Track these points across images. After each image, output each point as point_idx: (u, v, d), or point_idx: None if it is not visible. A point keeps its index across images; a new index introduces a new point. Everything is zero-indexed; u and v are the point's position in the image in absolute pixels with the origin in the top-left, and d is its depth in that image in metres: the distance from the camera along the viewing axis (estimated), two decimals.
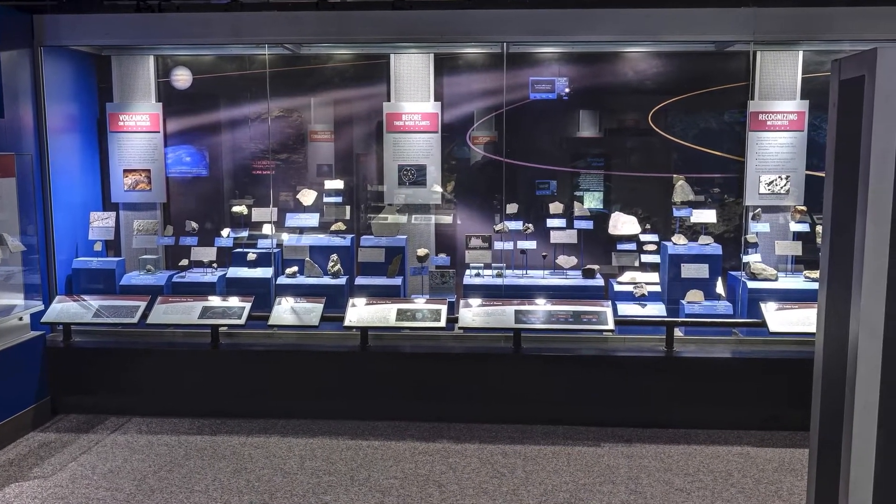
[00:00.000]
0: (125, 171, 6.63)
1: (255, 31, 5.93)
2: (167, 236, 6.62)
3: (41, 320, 5.77)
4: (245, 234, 6.59)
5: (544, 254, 6.46)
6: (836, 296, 2.18)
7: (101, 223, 6.47)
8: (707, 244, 6.30)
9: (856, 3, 5.86)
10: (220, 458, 5.01)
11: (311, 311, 5.81)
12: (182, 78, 6.85)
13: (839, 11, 5.66)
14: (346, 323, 5.70)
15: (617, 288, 6.23)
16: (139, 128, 6.61)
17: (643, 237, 6.40)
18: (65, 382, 5.77)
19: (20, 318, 5.55)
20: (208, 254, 6.51)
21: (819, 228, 6.05)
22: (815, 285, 5.80)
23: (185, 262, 6.58)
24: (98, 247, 6.47)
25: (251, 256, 6.49)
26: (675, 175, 6.57)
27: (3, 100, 5.54)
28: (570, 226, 6.43)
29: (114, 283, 6.34)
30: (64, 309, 5.86)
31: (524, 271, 6.42)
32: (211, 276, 6.41)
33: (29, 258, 5.60)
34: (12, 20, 5.71)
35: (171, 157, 6.79)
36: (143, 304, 5.84)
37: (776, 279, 6.07)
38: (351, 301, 5.84)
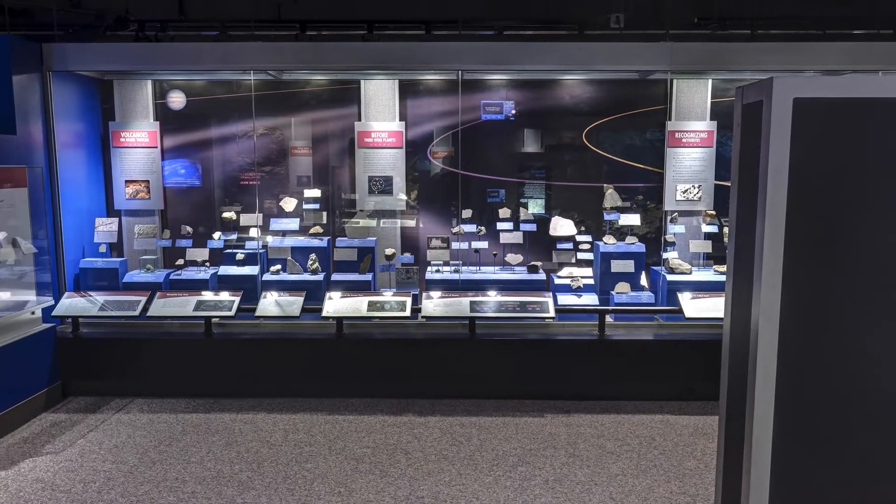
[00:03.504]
0: (127, 181, 6.53)
1: (242, 60, 5.89)
2: (165, 239, 6.55)
3: (52, 314, 5.67)
4: (234, 236, 6.53)
5: (495, 252, 6.50)
6: (740, 287, 2.22)
7: (105, 228, 6.37)
8: (633, 243, 6.39)
9: (755, 39, 6.00)
10: (214, 432, 4.95)
11: (293, 303, 5.77)
12: (177, 100, 6.76)
13: (742, 46, 5.79)
14: (324, 314, 5.67)
15: (557, 281, 6.29)
16: (139, 143, 6.51)
17: (579, 238, 6.47)
18: (74, 368, 5.68)
19: (32, 313, 5.47)
20: (201, 254, 6.46)
21: (726, 230, 6.17)
22: (723, 278, 5.92)
23: (180, 261, 6.51)
24: (103, 248, 6.38)
25: (239, 256, 6.43)
26: (605, 184, 6.66)
27: (16, 119, 5.46)
28: (516, 228, 6.48)
29: (117, 281, 6.25)
30: (72, 304, 5.76)
31: (478, 267, 6.45)
32: (204, 273, 6.34)
33: (40, 259, 5.51)
34: (23, 48, 5.59)
35: (168, 170, 6.70)
36: (143, 299, 5.77)
37: (691, 273, 6.17)
38: (328, 294, 5.81)
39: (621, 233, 6.51)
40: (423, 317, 5.70)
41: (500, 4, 6.28)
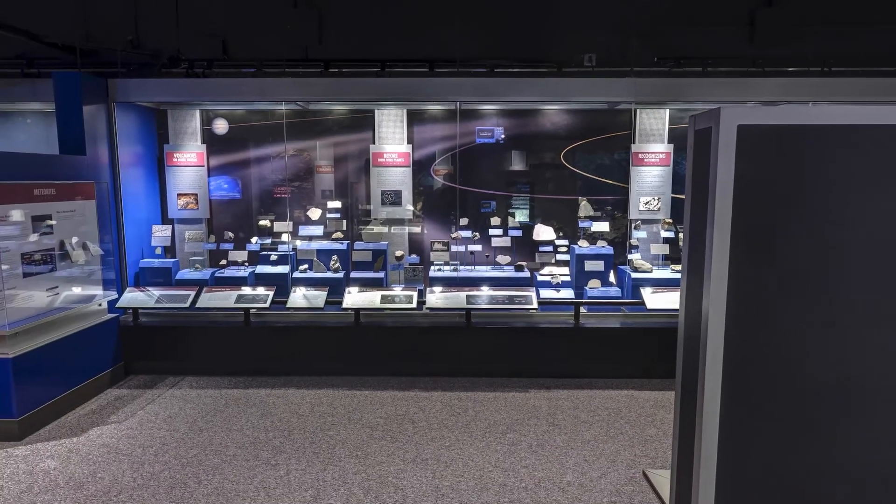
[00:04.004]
0: (178, 194, 6.54)
1: (275, 92, 5.90)
2: (210, 243, 6.55)
3: (116, 305, 5.69)
4: (269, 241, 6.54)
5: (487, 254, 6.50)
6: (693, 283, 2.23)
7: (160, 233, 6.38)
8: (603, 246, 6.39)
9: (706, 75, 6.01)
10: (251, 405, 4.96)
11: (318, 297, 5.78)
12: (221, 126, 6.78)
13: (694, 81, 5.80)
14: (344, 305, 5.68)
15: (539, 278, 6.29)
16: (189, 163, 6.52)
17: (558, 242, 6.47)
18: (134, 351, 5.68)
19: (100, 305, 5.48)
20: (241, 256, 6.47)
21: (681, 235, 6.18)
22: (679, 275, 5.93)
23: (224, 262, 6.51)
24: (158, 251, 6.38)
25: (273, 257, 6.43)
26: (579, 197, 6.66)
27: (86, 142, 5.48)
28: (505, 234, 6.48)
29: (170, 278, 6.25)
30: (133, 297, 5.77)
31: (473, 267, 6.45)
32: (243, 272, 6.34)
33: (106, 260, 5.51)
34: (92, 83, 5.61)
35: (213, 185, 6.71)
36: (192, 293, 5.77)
37: (651, 271, 6.18)
38: (347, 289, 5.82)
39: (593, 238, 6.52)
40: (427, 308, 5.71)
41: (492, 46, 6.28)
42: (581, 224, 6.52)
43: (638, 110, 6.37)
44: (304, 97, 5.99)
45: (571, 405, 4.95)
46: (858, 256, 1.95)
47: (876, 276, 1.93)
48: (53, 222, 4.89)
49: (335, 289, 6.03)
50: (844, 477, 1.99)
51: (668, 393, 5.18)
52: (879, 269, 1.93)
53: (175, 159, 6.52)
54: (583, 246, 6.41)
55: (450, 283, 6.10)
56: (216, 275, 6.33)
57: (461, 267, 6.40)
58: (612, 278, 6.37)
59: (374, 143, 6.63)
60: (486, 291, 5.76)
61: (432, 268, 6.37)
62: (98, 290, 5.44)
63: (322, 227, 6.63)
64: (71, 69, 5.81)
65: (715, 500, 2.03)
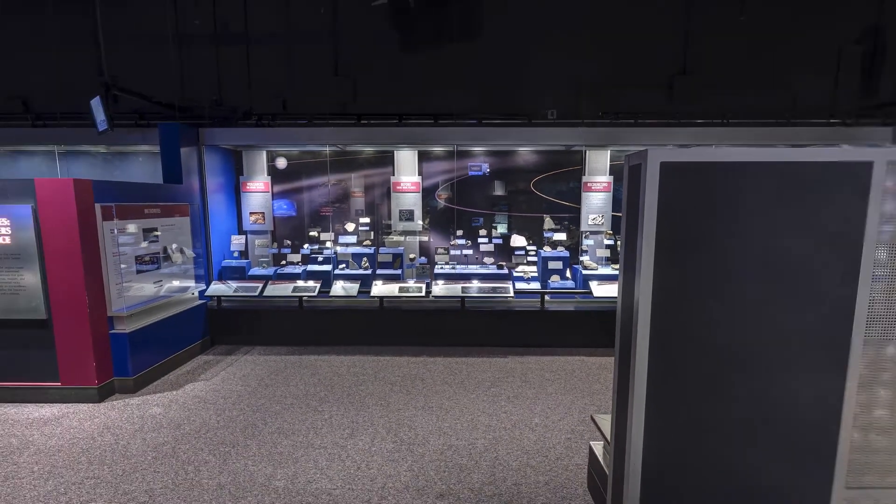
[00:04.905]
0: (250, 213, 6.55)
1: (322, 138, 5.91)
2: (274, 248, 6.55)
3: (204, 294, 5.68)
4: (317, 247, 6.54)
5: (476, 256, 6.50)
6: (627, 278, 2.24)
7: (237, 241, 6.38)
8: (562, 251, 6.40)
9: (637, 125, 6.02)
10: (304, 367, 4.96)
11: (353, 288, 5.78)
12: (281, 163, 6.79)
13: (629, 130, 5.82)
14: (372, 294, 5.68)
15: (515, 274, 6.29)
16: (258, 189, 6.53)
17: (528, 247, 6.48)
18: (218, 328, 5.68)
19: (192, 294, 5.48)
20: (296, 257, 6.46)
21: (618, 243, 6.18)
22: (617, 272, 5.93)
23: (284, 262, 6.51)
24: (236, 254, 6.38)
25: (320, 259, 6.43)
26: (545, 214, 6.67)
27: (182, 175, 5.48)
28: (490, 241, 6.49)
29: (245, 274, 6.25)
30: (217, 288, 5.76)
31: (466, 265, 6.46)
32: (298, 269, 6.34)
33: (197, 261, 5.52)
34: (187, 131, 5.63)
35: (276, 206, 6.72)
36: (261, 285, 5.77)
37: (597, 269, 6.19)
38: (374, 282, 5.82)
39: (554, 244, 6.53)
40: (432, 296, 5.71)
41: (480, 104, 6.31)
42: (545, 234, 6.52)
43: (587, 151, 6.38)
44: (342, 141, 6.01)
45: (538, 367, 4.95)
46: (748, 258, 1.96)
47: (760, 271, 1.95)
48: (159, 233, 4.90)
49: (365, 282, 6.03)
50: (739, 414, 2.00)
51: (609, 358, 5.18)
52: (763, 267, 1.95)
53: (247, 187, 6.53)
54: (547, 250, 6.41)
55: (449, 277, 6.11)
56: (278, 272, 6.34)
57: (458, 266, 6.41)
58: (568, 274, 6.39)
59: (393, 174, 6.64)
60: (476, 284, 5.76)
61: (436, 266, 6.38)
62: (191, 283, 5.44)
63: (356, 236, 6.64)
64: (171, 121, 5.83)
65: (644, 436, 2.04)
